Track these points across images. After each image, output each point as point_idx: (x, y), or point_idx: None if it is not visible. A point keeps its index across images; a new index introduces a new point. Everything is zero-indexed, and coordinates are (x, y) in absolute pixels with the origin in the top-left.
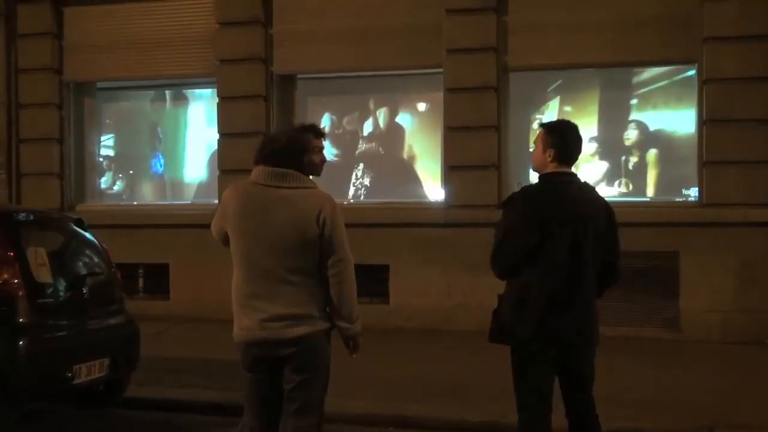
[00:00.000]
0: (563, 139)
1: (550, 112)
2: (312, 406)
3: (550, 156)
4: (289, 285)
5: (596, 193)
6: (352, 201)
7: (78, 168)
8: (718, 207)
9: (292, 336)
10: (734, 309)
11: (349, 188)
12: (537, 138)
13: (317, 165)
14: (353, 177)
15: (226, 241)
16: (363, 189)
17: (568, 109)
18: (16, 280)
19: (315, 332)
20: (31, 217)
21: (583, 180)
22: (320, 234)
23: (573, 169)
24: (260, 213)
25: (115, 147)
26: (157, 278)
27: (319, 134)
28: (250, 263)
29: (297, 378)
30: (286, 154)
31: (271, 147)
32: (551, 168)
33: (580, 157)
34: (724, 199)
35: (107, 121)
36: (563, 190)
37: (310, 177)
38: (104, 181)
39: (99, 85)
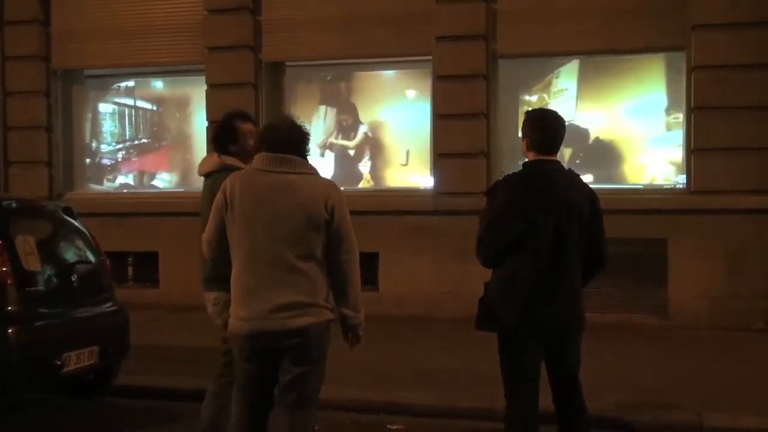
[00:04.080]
0: (539, 129)
1: (539, 100)
2: (309, 398)
3: (527, 144)
4: (296, 272)
5: (580, 180)
6: (342, 188)
7: (66, 156)
8: (706, 194)
9: (298, 326)
10: (722, 295)
11: (338, 176)
12: (522, 127)
13: (254, 149)
14: (342, 165)
15: (218, 241)
16: (352, 177)
17: (556, 96)
18: (4, 269)
19: (319, 323)
20: (20, 206)
21: (567, 167)
22: (327, 221)
23: (558, 156)
24: (268, 199)
25: (104, 135)
26: (147, 266)
27: (245, 118)
28: (257, 251)
29: (296, 370)
30: (289, 140)
31: (274, 135)
32: (533, 156)
33: (568, 144)
34: (712, 187)
35: (95, 108)
36: (546, 178)
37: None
38: (93, 169)
39: (87, 72)
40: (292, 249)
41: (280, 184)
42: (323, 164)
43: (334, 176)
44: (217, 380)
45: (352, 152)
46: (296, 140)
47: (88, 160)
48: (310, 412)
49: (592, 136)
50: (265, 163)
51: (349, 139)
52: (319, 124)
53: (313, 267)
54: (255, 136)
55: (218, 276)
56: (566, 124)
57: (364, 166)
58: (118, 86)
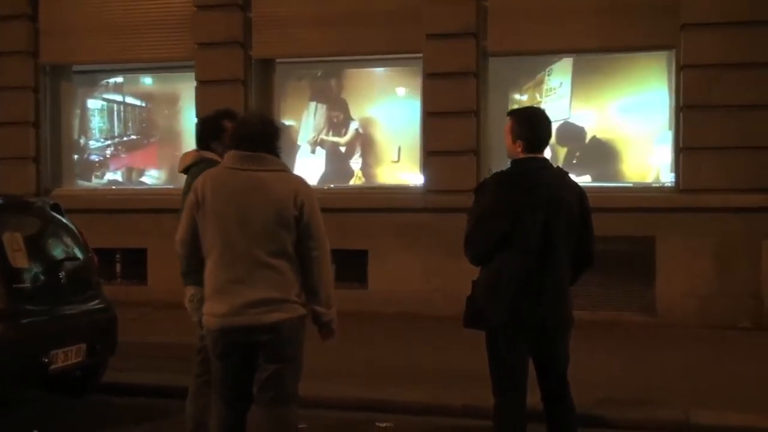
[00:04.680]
0: (531, 128)
1: (530, 98)
2: (287, 395)
3: (520, 147)
4: (268, 269)
5: (569, 178)
6: (332, 186)
7: (54, 152)
8: (694, 192)
9: (270, 321)
10: (710, 294)
11: (328, 173)
12: (506, 126)
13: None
14: (333, 162)
15: (191, 240)
16: (342, 174)
17: (547, 94)
18: None
19: (292, 318)
20: (7, 202)
21: (555, 165)
22: (297, 217)
23: (545, 154)
24: (239, 196)
25: (92, 131)
26: (135, 263)
27: (233, 117)
28: (230, 248)
29: (272, 367)
30: (260, 137)
31: (244, 131)
32: (521, 154)
33: (557, 142)
34: (700, 185)
35: (84, 104)
36: (535, 176)
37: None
38: (81, 166)
39: (75, 68)
40: (263, 246)
41: (251, 181)
42: (314, 161)
43: (324, 173)
44: (194, 379)
45: (342, 149)
46: (267, 137)
47: (76, 157)
48: (290, 409)
49: (582, 134)
50: (235, 161)
51: (339, 136)
52: (309, 122)
53: (285, 263)
54: None
55: (194, 269)
56: (557, 122)
57: (355, 164)
58: (107, 82)
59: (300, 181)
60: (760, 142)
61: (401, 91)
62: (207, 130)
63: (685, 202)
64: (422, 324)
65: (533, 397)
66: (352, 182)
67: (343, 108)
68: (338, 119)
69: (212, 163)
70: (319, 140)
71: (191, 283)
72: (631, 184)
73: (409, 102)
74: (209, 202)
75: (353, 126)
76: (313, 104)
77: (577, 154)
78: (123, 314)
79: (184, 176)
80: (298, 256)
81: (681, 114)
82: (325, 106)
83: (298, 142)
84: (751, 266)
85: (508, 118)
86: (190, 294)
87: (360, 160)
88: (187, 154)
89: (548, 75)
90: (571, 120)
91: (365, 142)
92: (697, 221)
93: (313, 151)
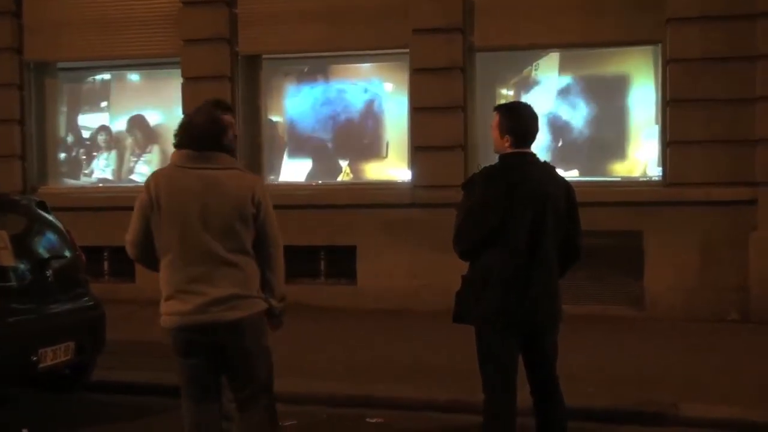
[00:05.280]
0: (519, 123)
1: (517, 93)
2: (262, 390)
3: (507, 142)
4: (229, 266)
5: (556, 172)
6: (319, 182)
7: (40, 150)
8: (681, 186)
9: (232, 318)
10: (697, 287)
11: (315, 169)
12: (493, 122)
13: (233, 141)
14: (320, 158)
15: (144, 241)
16: (330, 170)
17: (532, 88)
18: None
19: (255, 314)
20: None
21: (542, 159)
22: (254, 214)
23: (532, 149)
24: (196, 195)
25: (78, 128)
26: (123, 261)
27: (227, 108)
28: (188, 246)
29: (241, 365)
30: (208, 135)
31: (192, 131)
32: (508, 149)
33: (544, 137)
34: (687, 179)
35: (69, 101)
36: (523, 171)
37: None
38: (67, 163)
39: (60, 65)
40: (223, 243)
41: (205, 180)
42: (301, 158)
43: (312, 170)
44: None
45: (329, 145)
46: (215, 134)
47: (62, 154)
48: (269, 403)
49: (569, 129)
50: (186, 160)
51: (326, 132)
52: (295, 118)
53: (245, 260)
54: (233, 127)
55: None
56: (544, 117)
57: (342, 160)
58: (93, 79)
59: (255, 179)
60: (746, 136)
61: (387, 86)
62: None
63: (672, 195)
64: (411, 320)
65: (522, 392)
66: (339, 178)
67: (330, 104)
68: (325, 115)
69: None
70: (305, 136)
71: None
72: (618, 179)
73: (396, 97)
74: (164, 202)
75: (339, 122)
76: (299, 101)
77: (565, 148)
78: (111, 312)
79: None
80: (254, 253)
81: (667, 108)
82: (311, 103)
83: (285, 139)
84: (738, 259)
85: (495, 113)
86: None
87: (347, 156)
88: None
89: (535, 70)
90: (558, 114)
91: (352, 138)
92: (685, 215)
93: (299, 148)
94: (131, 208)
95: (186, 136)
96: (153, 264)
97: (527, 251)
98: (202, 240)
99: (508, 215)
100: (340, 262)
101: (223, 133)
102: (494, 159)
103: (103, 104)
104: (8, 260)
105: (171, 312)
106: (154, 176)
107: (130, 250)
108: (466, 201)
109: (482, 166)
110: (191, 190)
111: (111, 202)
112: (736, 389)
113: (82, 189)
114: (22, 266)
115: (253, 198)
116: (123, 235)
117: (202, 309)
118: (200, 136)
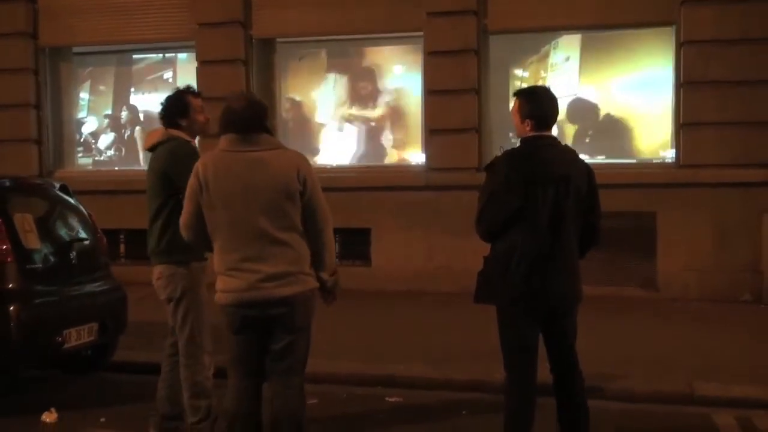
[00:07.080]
0: (538, 106)
1: (531, 75)
2: (299, 365)
3: (528, 126)
4: (279, 244)
5: (577, 155)
6: (334, 165)
7: (56, 134)
8: (694, 168)
9: (285, 294)
10: (710, 268)
11: (330, 152)
12: (514, 106)
13: (203, 124)
14: (335, 141)
15: (197, 224)
16: (344, 153)
17: (545, 71)
18: (4, 247)
19: (305, 291)
20: (16, 184)
21: (564, 143)
22: (301, 191)
23: (553, 132)
24: (243, 177)
25: (93, 112)
26: (138, 243)
27: (196, 94)
28: (239, 228)
29: (287, 338)
30: (249, 118)
31: (232, 116)
32: (529, 133)
33: (560, 119)
34: (700, 160)
35: (84, 86)
36: (545, 153)
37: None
38: (82, 147)
39: (75, 49)
40: (272, 222)
41: (252, 161)
42: (316, 140)
43: (325, 153)
44: (167, 359)
45: (343, 128)
46: (257, 117)
47: (77, 138)
48: (301, 378)
49: (582, 111)
50: (231, 144)
51: (340, 116)
52: (309, 102)
53: (295, 237)
54: (203, 111)
55: (163, 250)
56: (564, 98)
57: (357, 143)
58: (108, 63)
59: (300, 156)
60: (759, 117)
61: (402, 69)
62: (173, 108)
63: (686, 177)
64: (425, 301)
65: (543, 370)
66: (354, 161)
67: (345, 88)
68: (339, 99)
69: (180, 141)
70: (319, 120)
71: (161, 262)
72: (633, 161)
73: (410, 80)
74: (213, 185)
75: (353, 105)
76: (313, 85)
77: (578, 131)
78: (129, 294)
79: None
80: (303, 229)
81: (681, 90)
82: (325, 87)
83: (299, 122)
84: (751, 240)
85: (515, 98)
86: (158, 271)
87: (361, 140)
88: (154, 131)
89: (554, 49)
90: (571, 97)
91: (366, 121)
92: (698, 196)
93: (313, 131)
94: (145, 191)
95: (228, 121)
96: (207, 245)
97: (549, 233)
98: (251, 220)
99: (531, 197)
100: (355, 244)
101: (264, 115)
102: (508, 141)
103: (118, 88)
104: (34, 243)
105: (225, 289)
106: (203, 161)
107: (183, 233)
108: (489, 183)
109: (504, 149)
110: (238, 173)
111: (126, 185)
112: (751, 369)
113: (98, 173)
114: (46, 249)
115: (299, 175)
116: (138, 218)
117: (255, 285)
118: (242, 119)
